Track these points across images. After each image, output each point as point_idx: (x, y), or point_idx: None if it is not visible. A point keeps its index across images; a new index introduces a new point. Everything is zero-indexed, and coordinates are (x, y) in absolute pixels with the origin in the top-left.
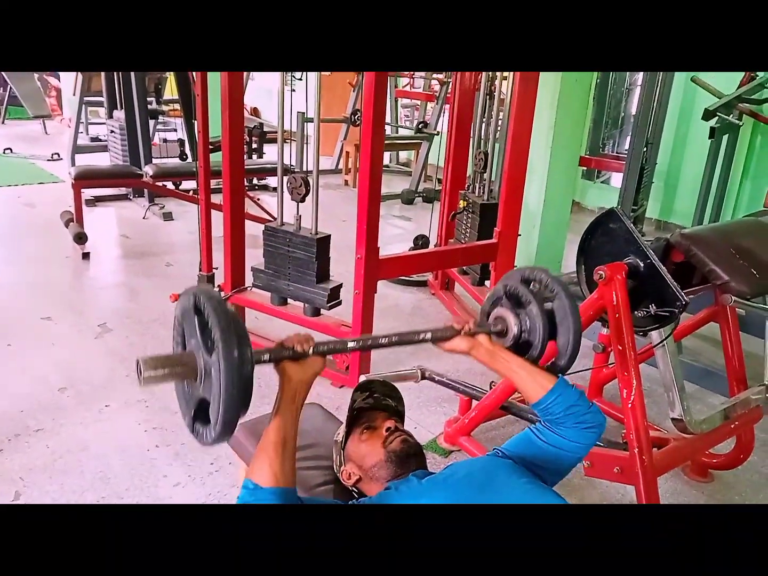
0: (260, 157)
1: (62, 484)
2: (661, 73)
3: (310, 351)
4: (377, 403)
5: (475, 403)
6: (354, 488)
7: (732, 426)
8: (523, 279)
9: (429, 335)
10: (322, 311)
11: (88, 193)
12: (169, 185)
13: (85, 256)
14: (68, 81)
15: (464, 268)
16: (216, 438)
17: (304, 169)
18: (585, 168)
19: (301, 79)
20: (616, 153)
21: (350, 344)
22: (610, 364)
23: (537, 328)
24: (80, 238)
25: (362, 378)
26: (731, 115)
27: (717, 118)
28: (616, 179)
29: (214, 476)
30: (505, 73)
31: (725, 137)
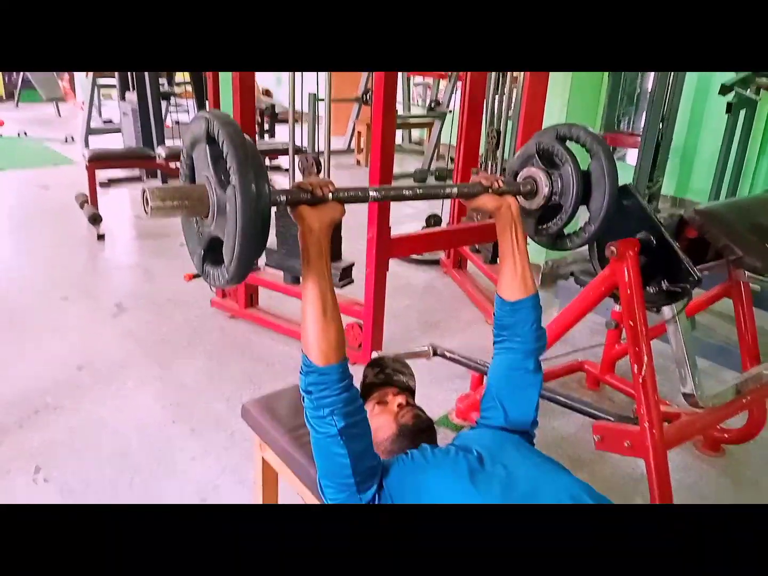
0: (272, 137)
1: (81, 459)
2: None
3: (330, 196)
4: (388, 379)
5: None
6: None
7: (744, 401)
8: (558, 136)
9: (455, 190)
10: (335, 290)
11: (101, 175)
12: None
13: (100, 237)
14: None
15: (476, 246)
16: (230, 279)
17: (316, 149)
18: None
19: None
20: (632, 130)
21: (372, 193)
22: (623, 340)
23: (570, 190)
24: (95, 220)
25: (374, 354)
26: (748, 90)
27: (734, 93)
28: (632, 156)
29: (229, 451)
30: None
31: (742, 112)
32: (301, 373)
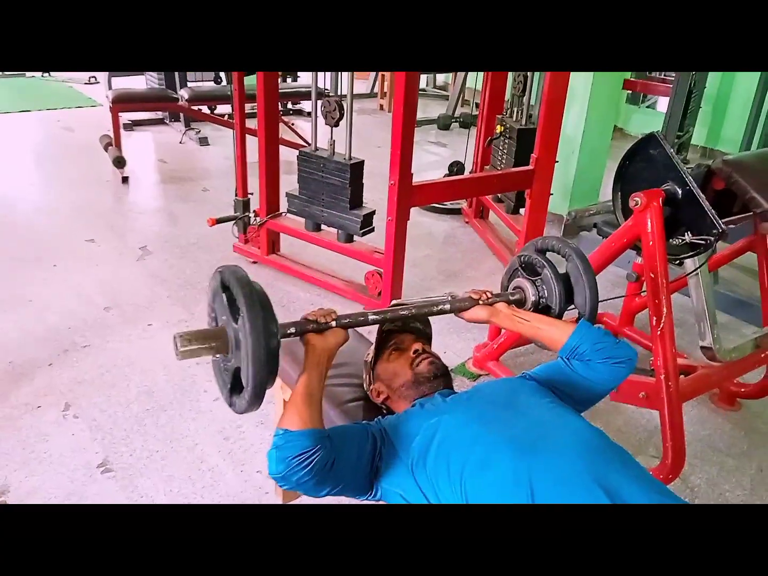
0: (294, 80)
1: (109, 397)
2: None
3: (333, 323)
4: (406, 326)
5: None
6: (383, 405)
7: (762, 355)
8: (536, 249)
9: (448, 306)
10: (355, 237)
11: (125, 117)
12: (205, 109)
13: (125, 180)
14: None
15: (499, 195)
16: (248, 403)
17: (339, 93)
18: (629, 91)
19: None
20: (663, 75)
21: (371, 317)
22: (643, 292)
23: (553, 291)
24: (119, 162)
25: (393, 302)
26: None
27: None
28: (662, 104)
29: None
30: None
31: None
32: (275, 450)
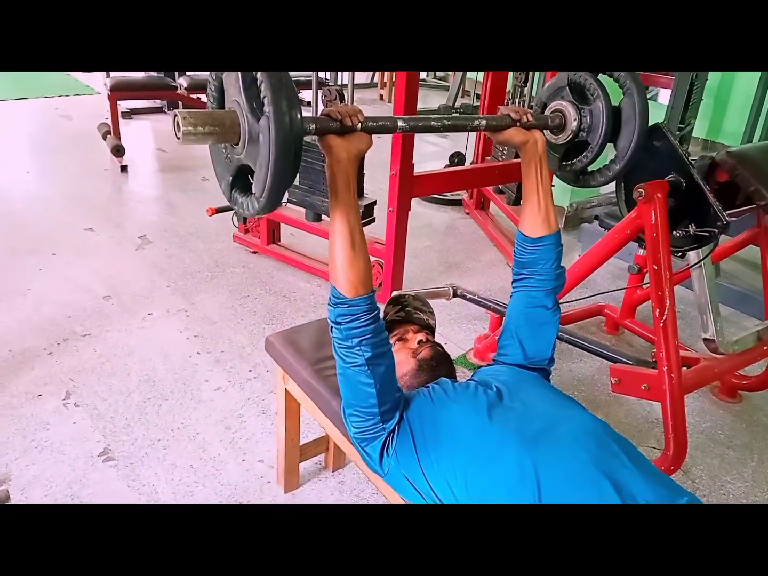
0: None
1: (110, 385)
2: None
3: (359, 126)
4: (408, 316)
5: None
6: None
7: (764, 348)
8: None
9: (484, 123)
10: None
11: (123, 105)
12: (203, 98)
13: (123, 168)
14: None
15: (500, 186)
16: (260, 209)
17: (339, 82)
18: None
19: None
20: None
21: (400, 123)
22: (645, 284)
23: (599, 128)
24: (118, 151)
25: (395, 293)
26: None
27: None
28: (664, 96)
29: (252, 382)
30: None
31: None
32: (329, 304)
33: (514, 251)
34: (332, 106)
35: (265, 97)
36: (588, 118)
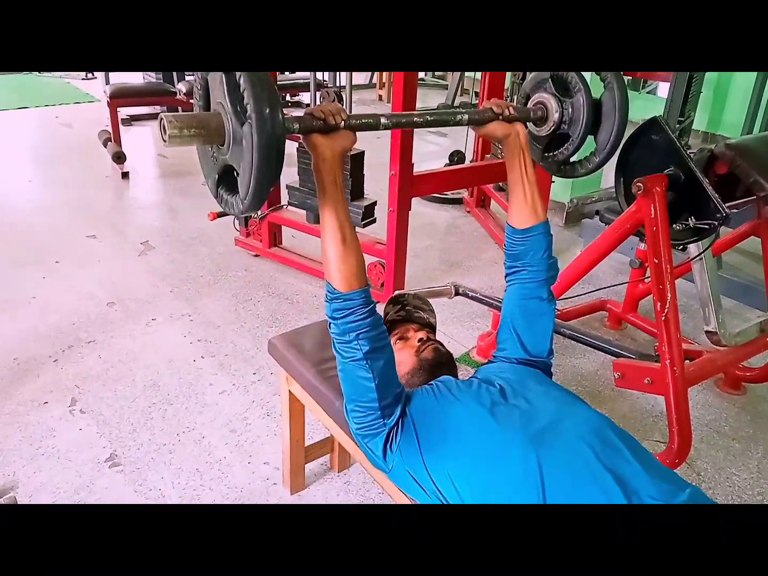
0: (293, 72)
1: (115, 391)
2: None
3: (342, 123)
4: (409, 316)
5: None
6: None
7: (767, 339)
8: None
9: (466, 117)
10: (357, 229)
11: (123, 112)
12: None
13: (125, 175)
14: None
15: (500, 184)
16: (245, 209)
17: (338, 84)
18: (630, 77)
19: None
20: None
21: (383, 120)
22: (646, 278)
23: (579, 120)
24: (119, 158)
25: (396, 293)
26: None
27: None
28: (663, 89)
29: (256, 385)
30: None
31: None
32: (326, 300)
33: (505, 244)
34: (318, 105)
35: (247, 103)
36: (570, 110)
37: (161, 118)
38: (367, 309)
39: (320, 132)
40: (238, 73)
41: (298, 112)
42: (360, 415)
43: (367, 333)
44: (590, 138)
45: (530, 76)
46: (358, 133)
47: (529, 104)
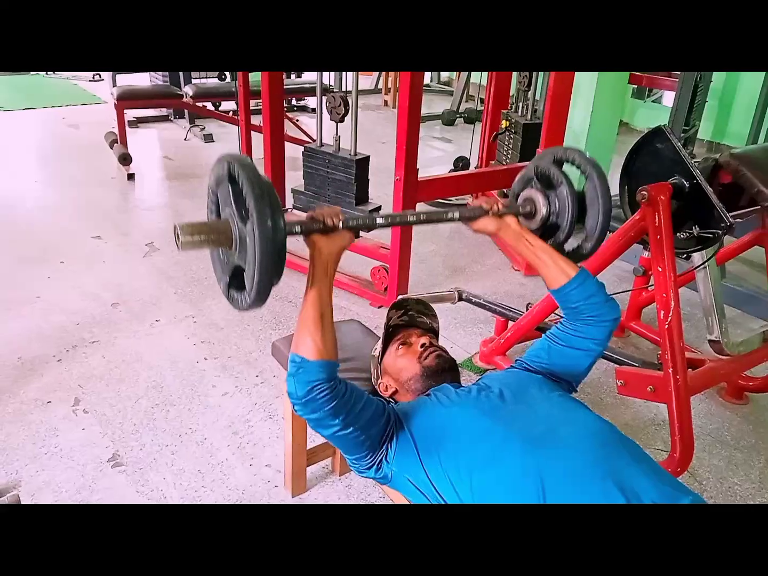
0: (299, 76)
1: (118, 392)
2: None
3: (340, 225)
4: (412, 320)
5: (511, 323)
6: (391, 399)
7: None
8: (555, 160)
9: (457, 214)
10: (361, 233)
11: (130, 114)
12: (209, 106)
13: (130, 177)
14: None
15: (505, 190)
16: (251, 303)
17: (344, 88)
18: (635, 86)
19: None
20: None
21: (378, 220)
22: (650, 286)
23: (566, 210)
24: (125, 159)
25: (399, 297)
26: None
27: None
28: (668, 98)
29: (259, 387)
30: None
31: None
32: (290, 376)
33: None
34: (316, 209)
35: (248, 205)
36: (556, 203)
37: (175, 226)
38: (330, 383)
39: (320, 233)
40: (240, 182)
41: (303, 117)
42: (355, 458)
43: (335, 408)
44: None
45: (517, 176)
46: (363, 137)
47: (519, 201)
